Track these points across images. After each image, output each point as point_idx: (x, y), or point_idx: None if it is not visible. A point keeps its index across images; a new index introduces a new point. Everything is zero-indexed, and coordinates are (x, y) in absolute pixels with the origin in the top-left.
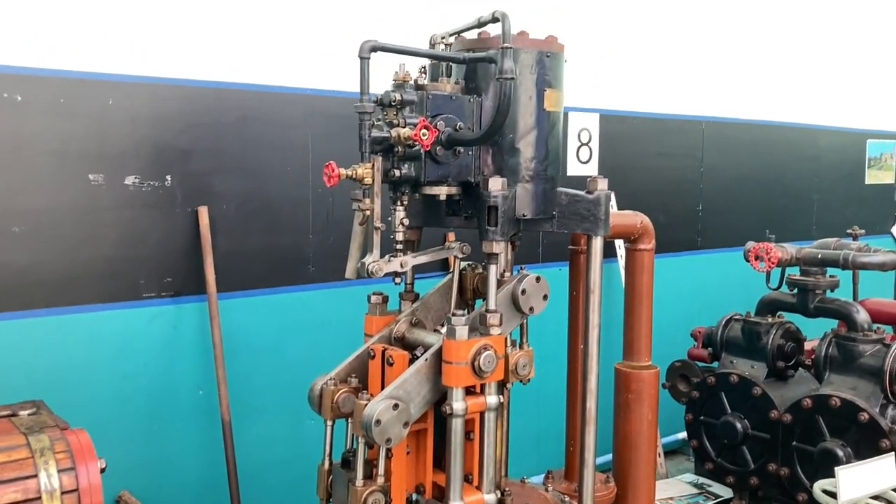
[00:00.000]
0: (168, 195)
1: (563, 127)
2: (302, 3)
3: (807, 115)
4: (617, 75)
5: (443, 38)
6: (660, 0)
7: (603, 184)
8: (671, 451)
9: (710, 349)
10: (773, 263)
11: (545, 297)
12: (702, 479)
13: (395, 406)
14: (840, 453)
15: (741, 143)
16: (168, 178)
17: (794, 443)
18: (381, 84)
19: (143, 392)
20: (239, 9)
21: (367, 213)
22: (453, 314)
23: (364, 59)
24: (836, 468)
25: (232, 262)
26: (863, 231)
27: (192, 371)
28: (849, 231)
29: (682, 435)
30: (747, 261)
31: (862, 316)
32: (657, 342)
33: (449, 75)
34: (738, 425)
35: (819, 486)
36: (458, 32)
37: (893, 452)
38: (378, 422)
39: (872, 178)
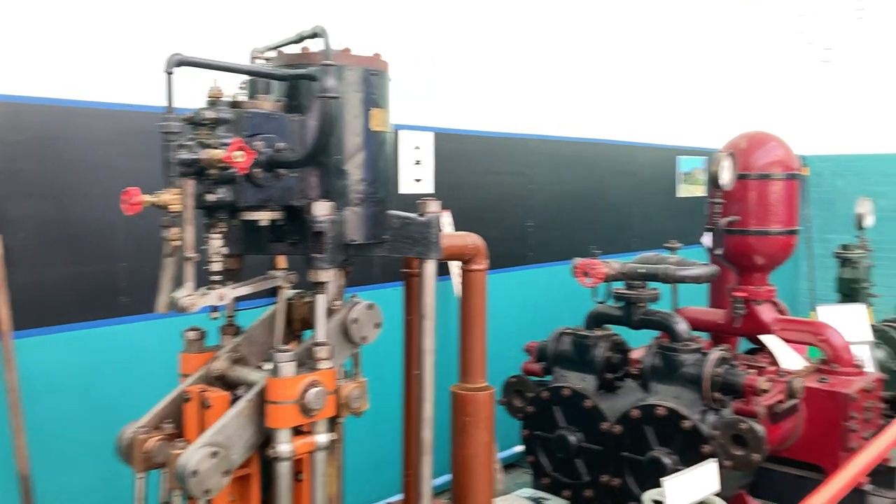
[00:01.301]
0: None
1: (395, 146)
2: (109, 11)
3: (625, 132)
4: (450, 95)
5: (263, 52)
6: (491, 23)
7: (434, 206)
8: (510, 465)
9: (543, 363)
10: (599, 279)
11: (378, 324)
12: (540, 494)
13: (214, 454)
14: (667, 461)
15: (567, 160)
16: None
17: (625, 453)
18: (200, 100)
19: None
20: (37, 17)
21: (176, 243)
22: (277, 349)
23: (169, 75)
24: (663, 479)
25: (30, 295)
26: (680, 245)
27: None
28: (666, 245)
29: (521, 448)
30: (575, 276)
31: (682, 326)
32: (493, 358)
33: (269, 92)
34: (572, 438)
35: (648, 496)
36: (279, 47)
37: (714, 458)
38: (195, 472)
39: (684, 191)
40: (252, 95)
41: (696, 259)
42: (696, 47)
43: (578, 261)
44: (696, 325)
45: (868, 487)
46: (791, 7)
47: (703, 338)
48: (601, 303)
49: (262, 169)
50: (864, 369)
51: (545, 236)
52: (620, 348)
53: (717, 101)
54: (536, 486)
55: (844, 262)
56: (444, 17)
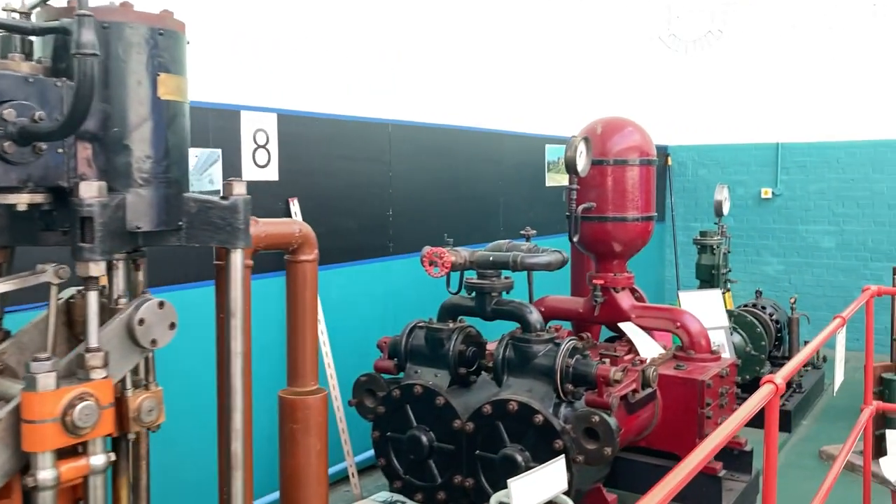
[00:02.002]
0: None
1: (235, 126)
2: None
3: (491, 120)
4: (296, 73)
5: (32, 7)
6: None
7: (240, 187)
8: (369, 468)
9: (395, 360)
10: (446, 268)
11: (173, 325)
12: (396, 497)
13: None
14: (519, 458)
15: (429, 147)
16: None
17: (478, 452)
18: None
19: None
20: None
21: None
22: (35, 358)
23: None
24: (509, 480)
25: None
26: (534, 232)
27: None
28: (522, 232)
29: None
30: (423, 266)
31: (534, 316)
32: (353, 355)
33: (27, 53)
34: (424, 439)
35: (496, 498)
36: (44, 1)
37: (566, 453)
38: None
39: (552, 180)
40: (4, 56)
41: (561, 248)
42: (566, 39)
43: (427, 249)
44: (557, 313)
45: (722, 473)
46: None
47: (565, 327)
48: (454, 293)
49: (14, 142)
50: (722, 354)
51: (407, 226)
52: (475, 341)
53: (585, 92)
54: (393, 489)
55: (703, 248)
56: None
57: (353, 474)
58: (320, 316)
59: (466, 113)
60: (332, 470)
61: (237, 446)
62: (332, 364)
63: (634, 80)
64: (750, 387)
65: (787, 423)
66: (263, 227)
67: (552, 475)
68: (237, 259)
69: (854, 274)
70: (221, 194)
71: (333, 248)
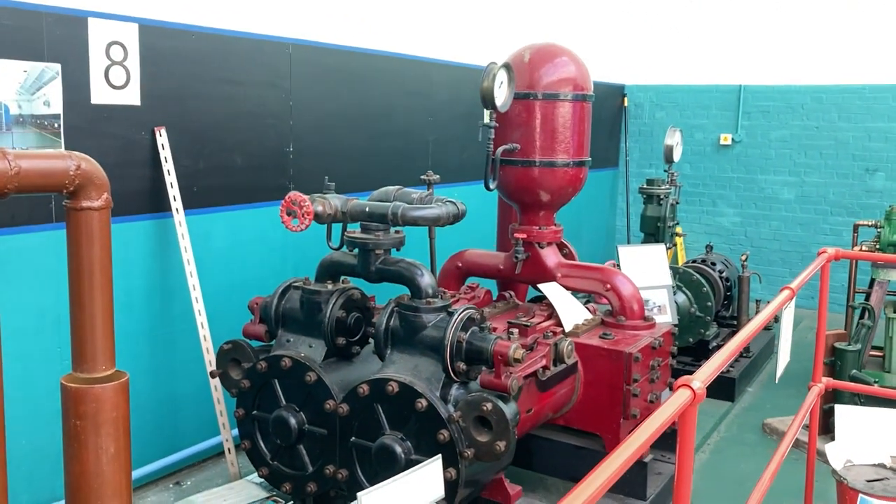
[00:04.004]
0: None
1: (81, 36)
2: None
3: (419, 46)
4: None
5: None
6: None
7: None
8: None
9: (267, 325)
10: (308, 220)
11: None
12: None
13: None
14: (398, 449)
15: (340, 73)
16: None
17: (353, 439)
18: None
19: None
20: None
21: None
22: None
23: None
24: (360, 493)
25: None
26: (437, 177)
27: None
28: (423, 177)
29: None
30: (281, 217)
31: (426, 280)
32: (234, 315)
33: None
34: (293, 421)
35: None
36: None
37: (450, 447)
38: None
39: (487, 117)
40: None
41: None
42: None
43: (288, 195)
44: (477, 270)
45: (648, 457)
46: None
47: (485, 285)
48: (336, 248)
49: None
50: (657, 319)
51: (312, 165)
52: (359, 305)
53: (531, 21)
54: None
55: (649, 198)
56: None
57: (229, 450)
58: (193, 269)
59: (388, 36)
60: (210, 443)
61: None
62: (205, 324)
63: (589, 9)
64: (695, 350)
65: (730, 391)
66: (17, 162)
67: (425, 480)
68: None
69: (813, 228)
70: None
71: (215, 188)
